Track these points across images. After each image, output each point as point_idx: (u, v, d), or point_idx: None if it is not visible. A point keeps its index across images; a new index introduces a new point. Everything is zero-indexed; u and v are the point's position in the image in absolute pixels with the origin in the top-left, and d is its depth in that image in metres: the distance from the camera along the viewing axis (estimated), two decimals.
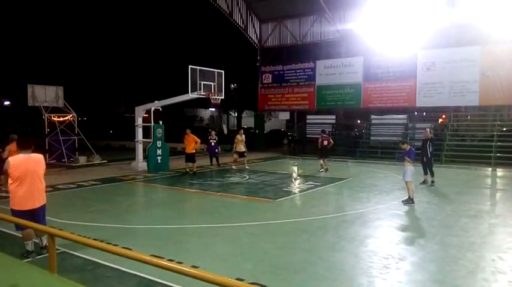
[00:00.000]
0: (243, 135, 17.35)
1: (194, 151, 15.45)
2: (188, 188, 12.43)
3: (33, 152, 6.08)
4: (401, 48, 21.46)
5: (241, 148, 17.05)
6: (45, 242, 5.93)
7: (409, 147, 10.07)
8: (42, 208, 6.09)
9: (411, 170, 9.85)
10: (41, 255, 5.95)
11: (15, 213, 5.77)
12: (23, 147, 6.08)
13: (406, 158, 9.85)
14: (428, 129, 13.12)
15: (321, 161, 15.95)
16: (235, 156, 17.07)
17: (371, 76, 22.23)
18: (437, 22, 20.18)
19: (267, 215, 8.86)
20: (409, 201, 9.76)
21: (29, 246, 6.01)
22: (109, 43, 37.44)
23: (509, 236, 7.44)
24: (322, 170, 15.81)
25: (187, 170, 15.37)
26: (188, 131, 15.90)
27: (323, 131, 16.87)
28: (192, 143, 15.43)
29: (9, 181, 5.82)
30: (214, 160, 17.24)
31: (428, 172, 12.72)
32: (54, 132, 18.38)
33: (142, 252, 4.34)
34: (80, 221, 8.02)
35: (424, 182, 12.70)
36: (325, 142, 15.86)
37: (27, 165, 5.87)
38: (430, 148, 12.56)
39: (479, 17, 19.10)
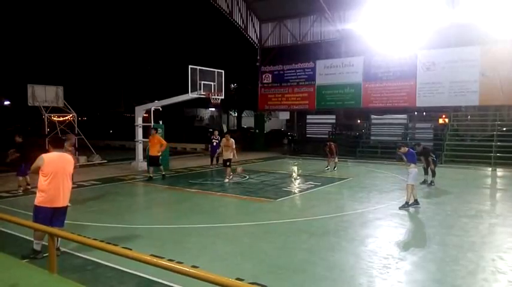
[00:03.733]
0: (231, 140, 13.47)
1: (159, 154, 13.87)
2: (188, 188, 12.43)
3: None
4: (401, 48, 21.46)
5: (227, 154, 13.46)
6: (58, 243, 5.90)
7: (407, 149, 9.70)
8: (66, 208, 6.07)
9: (415, 172, 9.53)
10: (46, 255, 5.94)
11: (41, 210, 5.75)
12: (56, 145, 6.10)
13: (408, 163, 9.48)
14: (417, 145, 12.63)
15: (336, 160, 16.70)
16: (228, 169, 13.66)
17: (371, 76, 22.23)
18: (437, 22, 20.17)
19: (267, 215, 8.86)
20: (405, 205, 9.42)
21: (38, 246, 5.92)
22: (109, 43, 37.42)
23: (509, 236, 7.45)
24: (328, 167, 16.51)
25: (151, 175, 13.84)
26: (154, 131, 14.21)
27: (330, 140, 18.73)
28: (157, 145, 13.74)
29: (41, 178, 5.77)
30: (214, 159, 17.33)
31: (430, 172, 12.72)
32: (54, 132, 18.34)
33: (142, 252, 4.34)
34: (80, 221, 8.01)
35: (424, 181, 12.72)
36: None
37: (60, 163, 5.91)
38: (433, 156, 12.58)
39: (479, 17, 19.09)
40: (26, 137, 11.81)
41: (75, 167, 9.23)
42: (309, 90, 24.55)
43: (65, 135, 10.26)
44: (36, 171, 5.83)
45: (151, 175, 13.93)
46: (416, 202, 9.57)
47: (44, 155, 5.89)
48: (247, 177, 14.55)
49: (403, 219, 8.62)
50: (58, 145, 6.13)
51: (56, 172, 5.80)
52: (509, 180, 14.61)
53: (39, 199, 5.78)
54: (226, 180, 13.33)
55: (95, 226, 7.91)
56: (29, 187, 11.19)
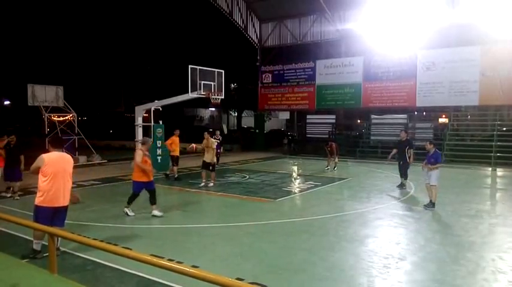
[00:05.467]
0: (211, 140, 12.51)
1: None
2: (188, 188, 12.42)
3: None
4: (401, 48, 21.46)
5: (209, 157, 12.37)
6: (58, 243, 5.90)
7: (434, 149, 9.50)
8: (67, 207, 6.07)
9: (437, 173, 9.37)
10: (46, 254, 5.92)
11: (41, 209, 5.74)
12: (56, 145, 6.09)
13: (438, 163, 9.30)
14: (403, 131, 12.49)
15: (336, 160, 16.64)
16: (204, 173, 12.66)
17: (371, 76, 22.23)
18: (437, 22, 20.18)
19: (267, 215, 8.86)
20: (430, 205, 9.33)
21: (38, 246, 5.90)
22: (109, 43, 37.43)
23: (509, 236, 7.45)
24: (328, 167, 16.50)
25: (176, 175, 13.94)
26: (178, 132, 14.42)
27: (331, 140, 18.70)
28: (179, 145, 14.24)
29: (41, 178, 5.76)
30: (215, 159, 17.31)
31: (400, 173, 12.17)
32: (54, 132, 18.35)
33: (142, 252, 4.34)
34: (80, 221, 8.01)
35: (402, 185, 12.17)
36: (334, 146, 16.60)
37: (61, 163, 5.92)
38: (408, 153, 11.83)
39: (479, 17, 19.10)
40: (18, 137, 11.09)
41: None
42: (309, 90, 24.55)
43: (142, 138, 9.67)
44: (36, 171, 5.82)
45: (176, 175, 13.92)
46: (433, 205, 9.37)
47: (45, 156, 5.88)
48: (247, 177, 14.55)
49: (403, 219, 8.62)
50: (58, 145, 6.14)
51: (57, 172, 5.80)
52: (509, 180, 14.61)
53: (40, 199, 5.78)
54: (211, 184, 12.45)
55: (95, 226, 7.91)
56: (10, 194, 10.45)
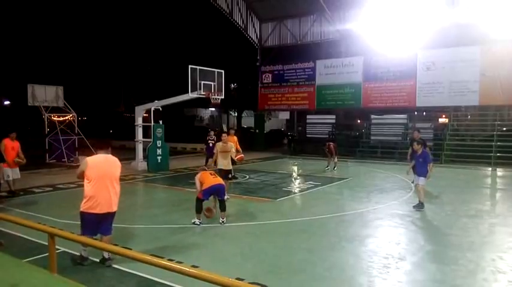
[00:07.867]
0: (230, 144, 10.17)
1: None
2: (188, 188, 12.40)
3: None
4: (401, 48, 21.45)
5: (226, 163, 9.95)
6: (107, 254, 5.64)
7: (422, 149, 9.44)
8: (114, 214, 5.83)
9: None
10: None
11: (86, 216, 5.54)
12: (100, 147, 5.88)
13: (430, 164, 9.19)
14: (416, 132, 12.64)
15: (336, 160, 16.60)
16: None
17: (371, 76, 22.23)
18: (437, 22, 20.16)
19: (267, 215, 8.86)
20: (420, 205, 9.23)
21: (86, 252, 5.74)
22: (109, 43, 37.42)
23: (509, 236, 7.45)
24: (328, 167, 16.44)
25: (233, 173, 12.04)
26: (233, 131, 13.38)
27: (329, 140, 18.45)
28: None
29: (86, 183, 5.55)
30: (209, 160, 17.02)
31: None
32: (54, 132, 18.38)
33: (142, 252, 4.34)
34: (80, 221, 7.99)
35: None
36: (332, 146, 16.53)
37: (106, 165, 5.69)
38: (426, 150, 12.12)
39: (479, 17, 19.09)
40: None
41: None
42: (309, 90, 24.54)
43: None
44: (82, 176, 5.61)
45: (233, 174, 12.31)
46: (422, 205, 9.33)
47: (88, 159, 5.68)
48: (247, 177, 14.54)
49: (403, 219, 8.62)
50: (104, 147, 5.91)
51: (101, 175, 5.57)
52: (509, 180, 14.61)
53: (85, 206, 5.57)
54: (227, 196, 9.51)
55: None
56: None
